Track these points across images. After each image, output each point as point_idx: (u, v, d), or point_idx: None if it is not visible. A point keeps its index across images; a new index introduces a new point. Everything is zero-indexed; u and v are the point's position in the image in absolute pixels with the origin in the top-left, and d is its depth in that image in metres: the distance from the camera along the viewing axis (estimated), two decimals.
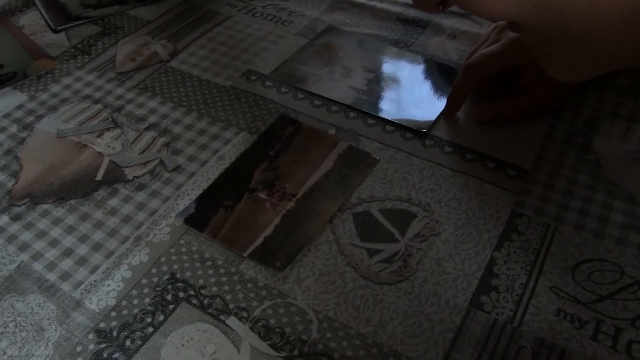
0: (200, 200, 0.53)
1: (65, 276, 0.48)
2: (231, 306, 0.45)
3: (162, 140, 0.59)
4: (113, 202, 0.54)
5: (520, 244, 0.48)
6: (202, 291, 0.47)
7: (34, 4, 0.80)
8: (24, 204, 0.54)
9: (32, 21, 0.77)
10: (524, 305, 0.44)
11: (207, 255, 0.49)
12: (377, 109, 0.60)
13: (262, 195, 0.52)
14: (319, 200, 0.52)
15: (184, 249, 0.50)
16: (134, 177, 0.56)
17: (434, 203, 0.51)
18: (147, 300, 0.46)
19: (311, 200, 0.52)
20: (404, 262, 0.47)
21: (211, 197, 0.53)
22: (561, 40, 0.38)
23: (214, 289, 0.47)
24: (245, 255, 0.48)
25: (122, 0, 0.79)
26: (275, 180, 0.54)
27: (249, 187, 0.53)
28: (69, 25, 0.75)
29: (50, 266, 0.49)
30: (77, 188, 0.55)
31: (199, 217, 0.51)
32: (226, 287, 0.47)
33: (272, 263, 0.47)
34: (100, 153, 0.59)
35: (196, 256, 0.49)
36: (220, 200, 0.52)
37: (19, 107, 0.65)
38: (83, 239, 0.51)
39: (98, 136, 0.60)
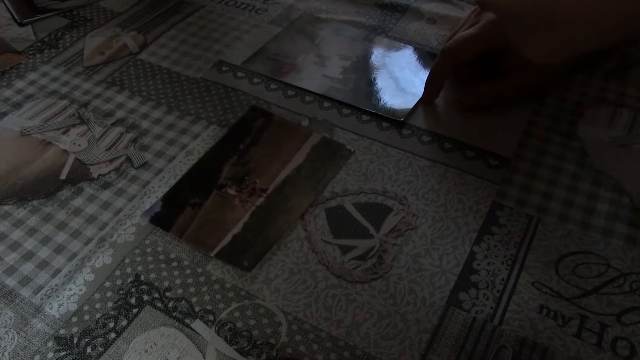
0: (167, 199, 0.50)
1: (25, 281, 0.46)
2: (197, 309, 0.43)
3: (129, 135, 0.57)
4: (77, 201, 0.51)
5: (501, 237, 0.45)
6: (167, 294, 0.44)
7: None
8: None
9: None
10: (504, 303, 0.42)
11: (173, 256, 0.47)
12: (352, 98, 0.57)
13: (231, 192, 0.50)
14: (290, 195, 0.49)
15: (149, 250, 0.47)
16: (100, 175, 0.54)
17: (411, 196, 0.49)
18: (109, 304, 0.44)
19: (282, 196, 0.49)
20: (378, 258, 0.45)
21: (178, 194, 0.51)
22: (537, 18, 0.36)
23: (179, 291, 0.44)
24: (212, 255, 0.46)
25: None
26: (245, 175, 0.51)
27: (217, 184, 0.51)
28: (35, 18, 0.73)
29: (10, 271, 0.47)
30: (40, 188, 0.53)
31: (165, 216, 0.49)
32: (192, 289, 0.44)
33: (240, 263, 0.45)
34: (65, 151, 0.56)
35: (162, 257, 0.47)
36: (187, 198, 0.50)
37: None
38: (45, 241, 0.49)
39: (63, 133, 0.58)
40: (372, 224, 0.47)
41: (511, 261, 0.44)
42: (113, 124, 0.58)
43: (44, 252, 0.48)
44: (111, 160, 0.55)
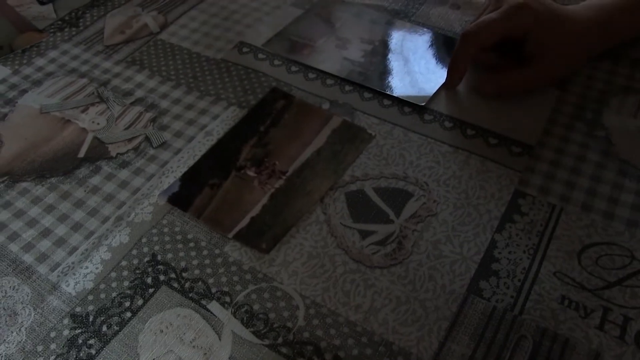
0: (185, 178, 0.50)
1: (42, 258, 0.46)
2: (213, 290, 0.43)
3: (148, 115, 0.56)
4: (95, 180, 0.51)
5: (523, 225, 0.45)
6: (184, 274, 0.44)
7: None
8: (3, 182, 0.52)
9: None
10: (525, 292, 0.41)
11: (190, 236, 0.46)
12: (374, 82, 0.56)
13: (250, 173, 0.50)
14: (310, 178, 0.49)
15: (166, 230, 0.47)
16: (118, 154, 0.53)
17: (432, 182, 0.48)
18: (126, 283, 0.44)
19: (301, 179, 0.49)
20: (398, 244, 0.44)
21: (197, 175, 0.50)
22: None
23: (196, 272, 0.44)
24: (230, 236, 0.46)
25: None
26: (264, 157, 0.51)
27: (236, 165, 0.51)
28: None
29: (27, 247, 0.47)
30: (59, 165, 0.53)
31: (183, 196, 0.49)
32: (209, 270, 0.44)
33: (258, 245, 0.45)
34: (84, 129, 0.56)
35: (179, 237, 0.46)
36: (206, 178, 0.50)
37: (2, 81, 0.62)
38: (62, 218, 0.49)
39: (82, 111, 0.58)
40: (393, 209, 0.46)
41: (533, 250, 0.43)
42: (132, 103, 0.58)
43: (61, 230, 0.48)
44: (130, 140, 0.54)
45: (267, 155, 0.51)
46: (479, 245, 0.44)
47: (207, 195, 0.49)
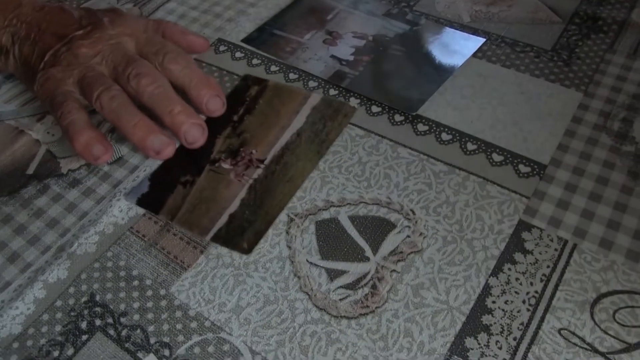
0: (155, 177, 0.45)
1: None
2: (152, 341, 0.36)
3: (107, 125, 0.50)
4: (41, 201, 0.45)
5: (525, 267, 0.37)
6: (122, 319, 0.38)
7: None
8: None
9: None
10: (521, 354, 0.33)
11: (135, 273, 0.40)
12: (361, 86, 0.49)
13: (225, 166, 0.45)
14: (291, 163, 0.44)
15: (110, 264, 0.41)
16: (69, 170, 0.47)
17: (420, 209, 0.40)
18: (58, 328, 0.38)
19: (281, 165, 0.44)
20: (372, 288, 0.37)
21: (167, 172, 0.45)
22: None
23: (136, 317, 0.38)
24: (207, 239, 0.41)
25: None
26: (240, 146, 0.46)
27: (210, 158, 0.45)
28: None
29: None
30: (5, 184, 0.47)
31: (153, 197, 0.44)
32: (150, 316, 0.38)
33: (239, 245, 0.40)
34: (37, 141, 0.50)
35: (122, 273, 0.40)
36: (177, 176, 0.45)
37: None
38: (0, 247, 0.43)
39: (38, 120, 0.52)
40: (370, 244, 0.39)
41: (535, 300, 0.35)
42: (92, 111, 0.51)
43: None
44: None
45: (243, 145, 0.46)
46: (469, 291, 0.36)
47: (180, 194, 0.44)
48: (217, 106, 0.45)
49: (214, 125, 0.47)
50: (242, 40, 0.55)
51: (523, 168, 0.42)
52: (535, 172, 0.42)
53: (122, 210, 0.43)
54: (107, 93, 0.43)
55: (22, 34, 0.48)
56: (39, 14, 0.49)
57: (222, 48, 0.55)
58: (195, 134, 0.43)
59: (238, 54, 0.54)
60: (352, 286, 0.37)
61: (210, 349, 0.36)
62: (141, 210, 0.43)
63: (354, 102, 0.48)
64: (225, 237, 0.41)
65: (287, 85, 0.50)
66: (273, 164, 0.44)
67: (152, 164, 0.46)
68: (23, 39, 0.48)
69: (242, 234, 0.41)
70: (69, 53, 0.46)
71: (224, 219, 0.42)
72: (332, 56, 0.52)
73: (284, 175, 0.44)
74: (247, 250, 0.40)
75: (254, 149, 0.46)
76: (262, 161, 0.45)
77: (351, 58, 0.51)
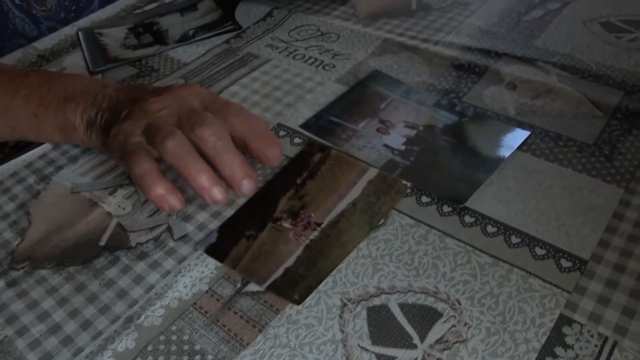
0: (223, 230, 0.50)
1: (46, 358, 0.44)
2: None
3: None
4: (112, 272, 0.49)
5: None
6: None
7: (80, 45, 0.78)
8: (23, 267, 0.51)
9: (74, 62, 0.75)
10: None
11: (197, 347, 0.43)
12: (412, 175, 0.52)
13: (286, 225, 0.50)
14: (345, 229, 0.48)
15: (174, 337, 0.44)
16: (138, 243, 0.51)
17: (465, 299, 0.43)
18: None
19: (336, 230, 0.48)
20: None
21: (234, 226, 0.51)
22: None
23: None
24: (263, 287, 0.45)
25: (162, 40, 0.75)
26: (300, 208, 0.51)
27: (273, 216, 0.50)
28: (106, 67, 0.72)
29: (34, 344, 0.45)
30: (79, 253, 0.51)
31: (220, 247, 0.49)
32: None
33: (291, 296, 0.44)
34: (109, 213, 0.54)
35: (186, 347, 0.43)
36: (242, 230, 0.50)
37: (42, 156, 0.62)
38: (74, 314, 0.47)
39: (111, 193, 0.56)
40: (417, 331, 0.41)
41: None
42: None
43: (70, 327, 0.46)
44: (152, 228, 0.52)
45: (303, 207, 0.51)
46: None
47: (243, 246, 0.49)
48: (275, 155, 0.48)
49: (279, 186, 0.53)
50: (301, 126, 0.59)
51: (565, 262, 0.44)
52: (576, 267, 0.44)
53: (187, 286, 0.47)
54: (173, 138, 0.46)
55: (104, 106, 0.53)
56: (120, 90, 0.54)
57: (281, 133, 0.59)
58: (250, 188, 0.46)
59: (297, 140, 0.58)
60: None
61: None
62: (204, 287, 0.47)
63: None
64: (279, 288, 0.45)
65: (347, 155, 0.55)
66: (328, 228, 0.49)
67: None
68: (104, 110, 0.53)
69: (294, 287, 0.45)
70: (140, 109, 0.50)
71: (280, 271, 0.46)
72: (385, 145, 0.55)
73: (337, 240, 0.48)
74: (298, 302, 0.44)
75: (312, 213, 0.50)
76: (319, 224, 0.49)
77: (403, 147, 0.55)
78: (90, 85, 0.55)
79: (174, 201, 0.46)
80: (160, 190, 0.45)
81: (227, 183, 0.47)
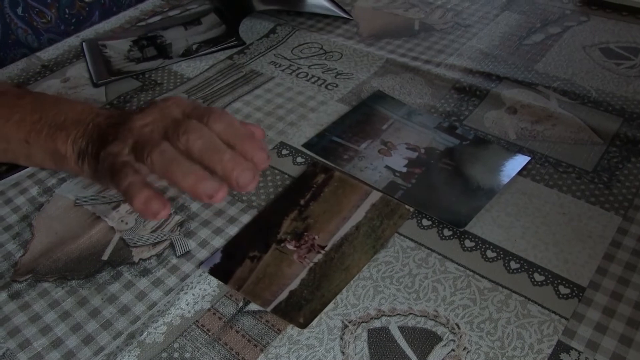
0: (227, 250, 0.51)
1: None
2: None
3: (176, 218, 0.55)
4: (114, 287, 0.50)
5: None
6: None
7: (84, 56, 0.78)
8: (26, 280, 0.51)
9: (77, 73, 0.76)
10: None
11: None
12: (413, 198, 0.53)
13: (290, 247, 0.50)
14: (348, 253, 0.49)
15: (176, 355, 0.44)
16: (140, 259, 0.52)
17: (465, 324, 0.44)
18: None
19: (340, 253, 0.49)
20: None
21: (238, 247, 0.51)
22: None
23: None
24: (268, 310, 0.46)
25: (165, 53, 0.76)
26: (304, 230, 0.51)
27: (277, 238, 0.51)
28: (109, 79, 0.73)
29: (35, 359, 0.45)
30: (82, 267, 0.52)
31: (224, 268, 0.49)
32: None
33: (295, 319, 0.45)
34: (111, 228, 0.55)
35: None
36: (246, 251, 0.50)
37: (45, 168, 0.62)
38: (76, 328, 0.47)
39: (114, 208, 0.57)
40: (417, 355, 0.42)
41: None
42: None
43: (72, 341, 0.46)
44: (154, 244, 0.53)
45: (307, 229, 0.51)
46: None
47: (247, 268, 0.49)
48: (262, 159, 0.47)
49: (283, 207, 0.53)
50: (303, 145, 0.60)
51: (563, 289, 0.45)
52: (574, 293, 0.45)
53: (189, 303, 0.47)
54: (157, 149, 0.45)
55: (95, 137, 0.53)
56: (110, 118, 0.54)
57: (284, 152, 0.60)
58: (246, 178, 0.43)
59: (299, 159, 0.59)
60: None
61: None
62: (207, 305, 0.47)
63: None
64: (284, 311, 0.46)
65: (350, 177, 0.55)
66: (332, 251, 0.50)
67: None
68: (95, 140, 0.52)
69: (299, 310, 0.46)
70: (124, 129, 0.49)
71: (284, 294, 0.47)
72: (387, 166, 0.56)
73: (342, 264, 0.48)
74: (303, 325, 0.44)
75: (316, 235, 0.51)
76: (323, 247, 0.50)
77: (404, 170, 0.55)
78: (82, 114, 0.55)
79: (156, 204, 0.44)
80: (143, 197, 0.44)
81: (227, 184, 0.46)
